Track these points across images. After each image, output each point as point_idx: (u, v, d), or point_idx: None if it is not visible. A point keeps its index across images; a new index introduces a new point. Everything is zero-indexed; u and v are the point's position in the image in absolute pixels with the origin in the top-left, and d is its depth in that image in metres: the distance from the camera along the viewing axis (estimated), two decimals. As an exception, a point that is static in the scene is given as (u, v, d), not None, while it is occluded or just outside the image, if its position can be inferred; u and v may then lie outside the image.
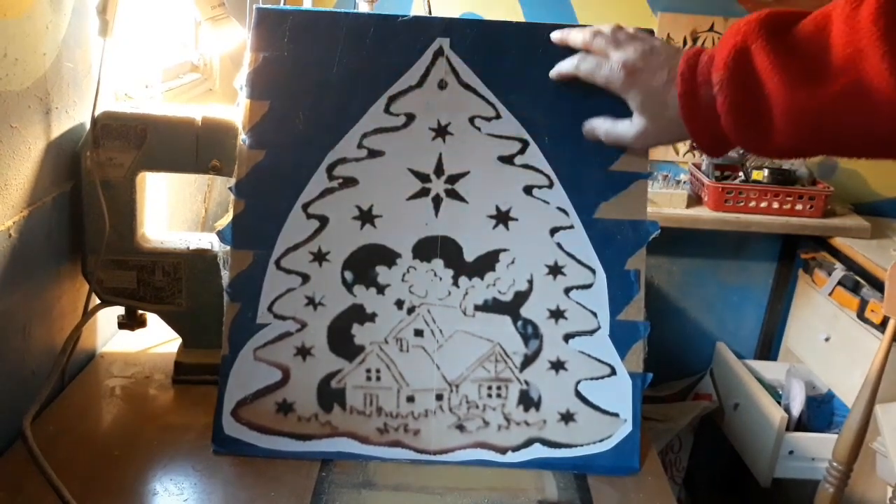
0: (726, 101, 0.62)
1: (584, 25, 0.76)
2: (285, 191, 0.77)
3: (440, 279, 0.77)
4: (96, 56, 0.87)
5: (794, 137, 0.62)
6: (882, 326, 1.65)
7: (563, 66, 0.75)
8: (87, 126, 0.85)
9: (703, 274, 2.26)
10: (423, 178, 0.77)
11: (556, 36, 0.77)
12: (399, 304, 0.76)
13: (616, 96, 0.74)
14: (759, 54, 0.60)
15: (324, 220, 0.77)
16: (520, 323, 0.77)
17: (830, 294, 1.90)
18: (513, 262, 0.77)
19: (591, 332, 0.77)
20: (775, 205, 1.93)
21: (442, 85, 0.78)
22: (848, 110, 0.57)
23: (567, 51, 0.77)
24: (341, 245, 0.77)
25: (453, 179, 0.77)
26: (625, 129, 0.74)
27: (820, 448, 1.83)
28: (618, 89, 0.72)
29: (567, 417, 0.76)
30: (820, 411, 1.97)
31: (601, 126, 0.75)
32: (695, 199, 2.01)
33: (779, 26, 0.61)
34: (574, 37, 0.75)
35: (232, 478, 0.72)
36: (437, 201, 0.77)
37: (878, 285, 1.73)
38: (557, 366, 0.76)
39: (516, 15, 2.07)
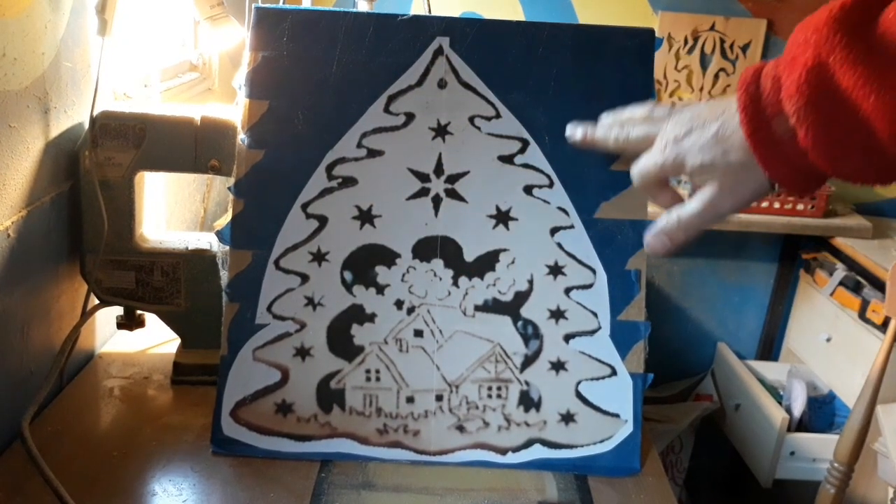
0: (810, 133, 0.49)
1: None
2: (284, 190, 0.76)
3: (440, 279, 0.76)
4: (95, 55, 0.87)
5: None
6: (883, 327, 1.65)
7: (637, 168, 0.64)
8: (86, 126, 0.84)
9: (704, 274, 2.26)
10: (423, 177, 0.77)
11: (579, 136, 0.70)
12: (399, 304, 0.76)
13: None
14: (841, 70, 0.47)
15: (323, 220, 0.76)
16: (520, 323, 0.76)
17: (832, 294, 1.89)
18: (513, 262, 0.77)
19: (592, 333, 0.76)
20: (776, 204, 1.92)
21: (442, 84, 0.77)
22: None
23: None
24: (341, 245, 0.76)
25: (453, 179, 0.77)
26: (694, 205, 0.60)
27: (821, 449, 1.82)
28: (676, 172, 0.60)
29: (567, 418, 0.76)
30: (821, 412, 1.96)
31: (668, 223, 0.61)
32: (696, 199, 2.00)
33: (858, 21, 0.47)
34: (604, 136, 0.68)
35: (231, 478, 0.71)
36: (436, 201, 0.77)
37: (879, 286, 1.72)
38: (558, 366, 0.76)
39: (516, 14, 2.06)
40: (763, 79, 0.52)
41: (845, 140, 0.49)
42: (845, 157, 0.50)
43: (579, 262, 0.77)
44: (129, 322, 0.89)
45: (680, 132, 0.58)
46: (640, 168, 0.62)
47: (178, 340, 0.89)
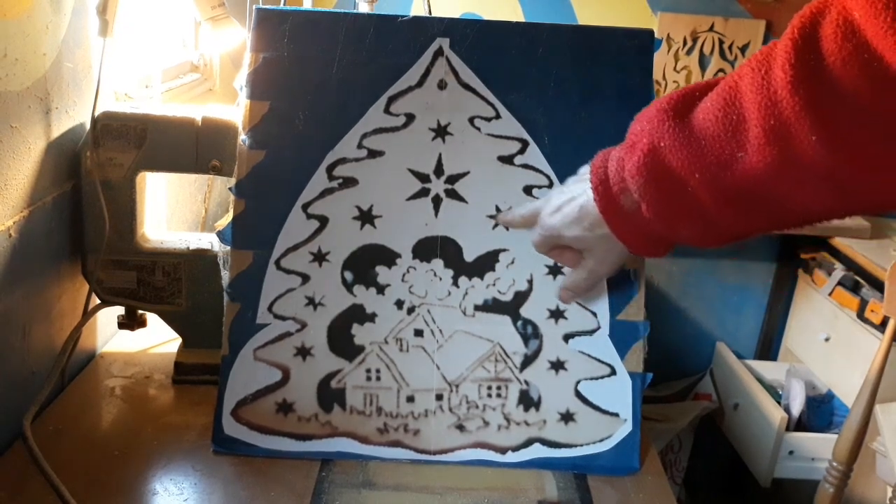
0: (650, 206, 0.59)
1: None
2: (285, 191, 0.77)
3: (440, 279, 0.77)
4: (96, 56, 0.87)
5: (734, 223, 0.57)
6: (882, 326, 1.65)
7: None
8: (87, 126, 0.85)
9: (703, 274, 2.26)
10: (423, 178, 0.77)
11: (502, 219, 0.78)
12: (399, 304, 0.76)
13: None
14: (670, 153, 0.55)
15: (324, 221, 0.77)
16: (520, 323, 0.77)
17: (830, 294, 1.90)
18: (512, 262, 0.77)
19: (591, 332, 0.77)
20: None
21: (442, 85, 0.78)
22: (782, 182, 0.52)
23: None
24: (341, 245, 0.77)
25: (453, 179, 0.77)
26: (580, 274, 0.71)
27: (820, 448, 1.83)
28: (557, 243, 0.70)
29: (567, 417, 0.76)
30: (820, 411, 1.97)
31: (569, 284, 0.73)
32: (695, 199, 2.01)
33: (683, 110, 0.56)
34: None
35: (232, 477, 0.72)
36: (436, 201, 0.77)
37: (877, 285, 1.73)
38: (557, 366, 0.76)
39: (516, 15, 2.07)
40: (610, 162, 0.61)
41: (680, 211, 0.58)
42: (682, 225, 0.59)
43: (579, 262, 0.77)
44: (131, 322, 0.89)
45: (549, 211, 0.68)
46: (532, 242, 0.72)
47: (180, 340, 0.89)
